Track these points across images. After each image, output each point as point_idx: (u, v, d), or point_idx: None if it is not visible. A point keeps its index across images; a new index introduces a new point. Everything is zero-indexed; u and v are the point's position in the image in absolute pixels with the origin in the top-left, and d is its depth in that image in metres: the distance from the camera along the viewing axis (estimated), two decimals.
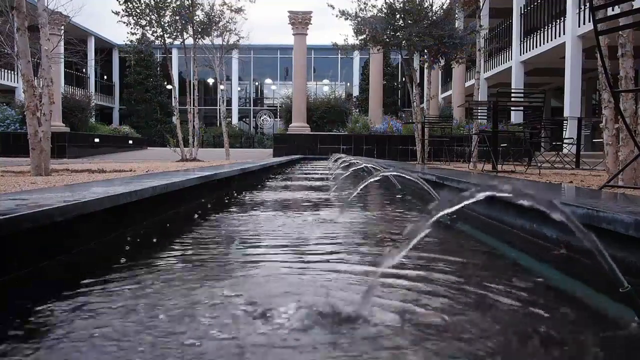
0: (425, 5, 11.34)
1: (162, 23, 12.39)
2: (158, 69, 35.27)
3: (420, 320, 1.06)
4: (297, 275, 1.50)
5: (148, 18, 12.31)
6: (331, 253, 1.87)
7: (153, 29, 12.46)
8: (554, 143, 11.08)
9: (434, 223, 0.97)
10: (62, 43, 15.87)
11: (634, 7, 3.55)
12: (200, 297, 1.21)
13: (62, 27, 15.33)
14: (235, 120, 38.07)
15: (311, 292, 1.27)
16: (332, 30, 24.57)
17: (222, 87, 15.07)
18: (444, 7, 11.61)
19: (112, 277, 1.41)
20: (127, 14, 12.20)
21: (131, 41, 12.81)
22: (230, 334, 0.97)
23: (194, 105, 13.01)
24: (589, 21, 11.12)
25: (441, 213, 0.97)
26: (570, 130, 11.17)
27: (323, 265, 1.63)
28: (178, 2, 12.39)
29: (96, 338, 0.95)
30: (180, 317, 1.06)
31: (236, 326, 1.01)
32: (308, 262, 1.69)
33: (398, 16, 11.16)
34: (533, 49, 17.50)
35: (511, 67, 18.91)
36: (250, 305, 1.13)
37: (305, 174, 7.67)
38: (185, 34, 12.89)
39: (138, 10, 12.22)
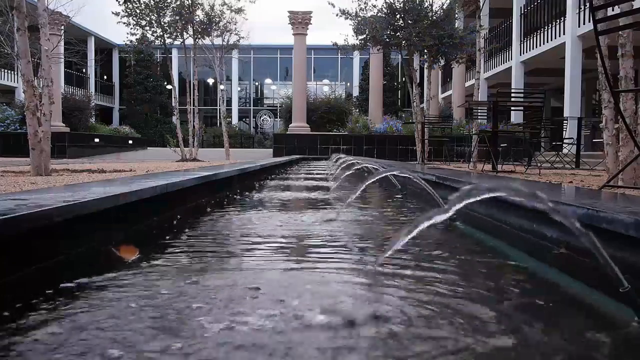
0: (425, 5, 11.35)
1: (162, 23, 12.39)
2: (158, 69, 35.27)
3: None
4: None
5: (148, 18, 12.32)
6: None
7: (153, 29, 12.46)
8: (554, 143, 11.09)
9: None
10: (62, 43, 15.88)
11: (634, 7, 3.55)
12: None
13: (62, 27, 15.33)
14: (235, 120, 38.07)
15: None
16: (332, 30, 24.52)
17: (222, 87, 15.06)
18: (444, 7, 11.61)
19: (112, 276, 1.41)
20: (126, 14, 12.20)
21: (131, 41, 12.81)
22: None
23: (193, 105, 13.01)
24: (589, 21, 11.11)
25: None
26: (570, 130, 11.17)
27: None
28: (178, 2, 12.39)
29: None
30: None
31: None
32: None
33: (398, 16, 11.16)
34: (533, 49, 17.50)
35: (511, 67, 18.91)
36: None
37: (306, 174, 7.67)
38: (185, 34, 12.89)
39: (138, 11, 12.23)
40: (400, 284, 1.34)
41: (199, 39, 13.20)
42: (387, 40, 11.51)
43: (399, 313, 1.06)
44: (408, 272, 1.49)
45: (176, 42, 13.44)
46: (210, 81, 34.50)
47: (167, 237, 2.09)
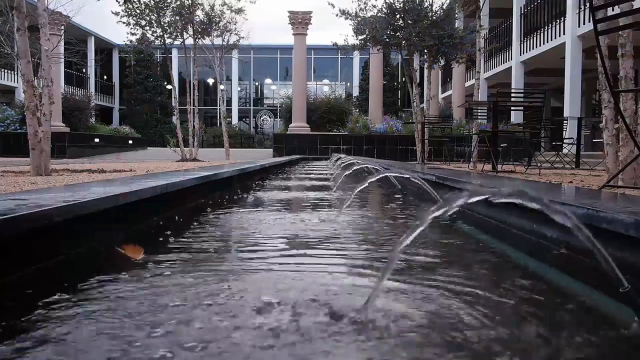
0: (425, 5, 11.35)
1: (162, 23, 12.41)
2: (158, 69, 35.27)
3: None
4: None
5: (148, 18, 12.33)
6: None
7: (153, 29, 12.48)
8: (554, 143, 11.09)
9: None
10: (62, 43, 15.90)
11: (634, 7, 3.55)
12: None
13: (62, 27, 15.35)
14: (235, 120, 38.08)
15: None
16: (332, 30, 24.59)
17: (222, 87, 15.07)
18: (444, 7, 11.62)
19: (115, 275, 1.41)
20: (126, 14, 12.21)
21: (131, 41, 12.83)
22: None
23: (193, 105, 13.03)
24: (589, 21, 11.12)
25: None
26: (570, 130, 11.18)
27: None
28: (178, 2, 12.40)
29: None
30: None
31: None
32: None
33: (398, 16, 11.17)
34: (533, 49, 17.51)
35: (511, 67, 18.91)
36: None
37: (306, 174, 7.67)
38: (185, 34, 12.90)
39: (138, 11, 12.24)
40: None
41: (199, 39, 13.22)
42: (387, 40, 11.52)
43: None
44: None
45: (176, 42, 13.45)
46: (210, 81, 34.51)
47: (170, 237, 2.08)
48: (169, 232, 2.10)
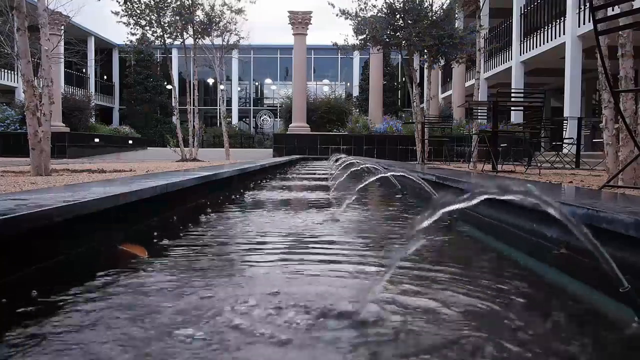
0: (425, 5, 11.35)
1: (162, 23, 12.40)
2: (158, 69, 35.25)
3: None
4: None
5: (148, 18, 12.33)
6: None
7: (153, 29, 12.47)
8: (554, 143, 11.09)
9: None
10: (62, 43, 15.88)
11: (634, 7, 3.55)
12: None
13: (62, 27, 15.33)
14: (235, 120, 38.06)
15: None
16: (332, 30, 24.54)
17: (222, 87, 15.06)
18: (444, 7, 11.61)
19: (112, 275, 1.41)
20: (126, 14, 12.20)
21: (131, 41, 12.82)
22: None
23: (193, 105, 13.02)
24: (589, 21, 11.10)
25: None
26: (570, 130, 11.17)
27: None
28: (178, 2, 12.39)
29: None
30: None
31: None
32: None
33: (398, 16, 11.16)
34: (533, 49, 17.50)
35: (511, 67, 18.90)
36: None
37: (306, 174, 7.67)
38: (185, 34, 12.89)
39: (138, 11, 12.23)
40: None
41: (199, 39, 13.21)
42: (387, 40, 11.51)
43: None
44: None
45: (176, 42, 13.44)
46: (210, 81, 34.49)
47: (171, 236, 2.08)
48: (165, 233, 2.10)
